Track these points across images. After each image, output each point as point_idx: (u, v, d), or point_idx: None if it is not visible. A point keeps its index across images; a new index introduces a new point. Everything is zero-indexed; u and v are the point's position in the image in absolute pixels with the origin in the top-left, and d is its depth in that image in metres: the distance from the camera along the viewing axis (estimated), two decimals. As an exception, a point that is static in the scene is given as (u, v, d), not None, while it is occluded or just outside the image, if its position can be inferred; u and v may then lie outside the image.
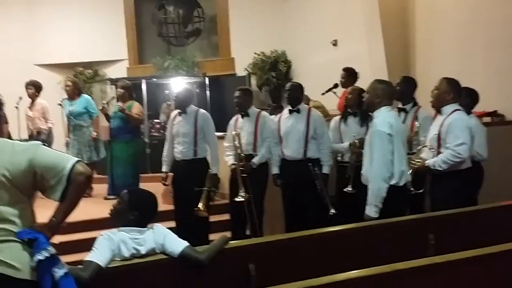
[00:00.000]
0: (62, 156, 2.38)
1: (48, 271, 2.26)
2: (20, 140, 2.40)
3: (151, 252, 2.79)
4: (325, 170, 5.46)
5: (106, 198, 7.66)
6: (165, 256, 2.79)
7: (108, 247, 2.67)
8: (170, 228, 5.36)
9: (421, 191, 4.57)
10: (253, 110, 5.75)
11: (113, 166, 7.63)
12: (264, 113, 5.81)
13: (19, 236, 2.27)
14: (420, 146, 4.68)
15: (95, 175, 8.50)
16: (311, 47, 10.10)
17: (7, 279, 2.19)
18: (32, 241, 2.28)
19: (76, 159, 2.37)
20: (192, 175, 5.58)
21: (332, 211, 5.20)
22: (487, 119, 6.52)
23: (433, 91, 4.54)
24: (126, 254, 2.73)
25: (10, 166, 2.25)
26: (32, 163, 2.28)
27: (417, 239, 3.55)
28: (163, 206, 6.93)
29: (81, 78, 11.38)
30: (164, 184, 6.06)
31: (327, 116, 6.34)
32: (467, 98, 4.68)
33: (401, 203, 4.13)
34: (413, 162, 4.44)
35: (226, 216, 6.07)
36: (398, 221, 3.67)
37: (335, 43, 9.41)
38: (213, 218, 5.93)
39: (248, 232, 5.76)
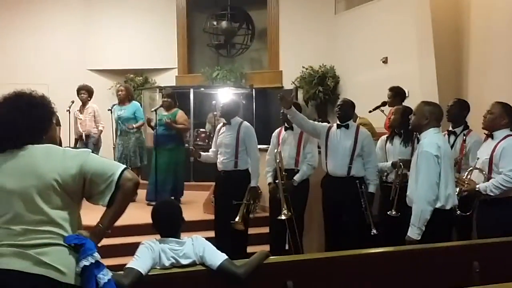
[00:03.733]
0: (111, 162, 2.46)
1: (93, 277, 2.29)
2: (70, 147, 2.46)
3: (191, 263, 2.80)
4: (371, 189, 5.35)
5: (149, 204, 7.77)
6: (203, 268, 2.80)
7: (149, 255, 2.71)
8: (209, 238, 5.41)
9: (468, 214, 4.46)
10: None
11: (156, 172, 7.75)
12: None
13: (66, 241, 2.31)
14: (471, 168, 4.55)
15: (140, 181, 8.66)
16: (360, 63, 10.01)
17: (52, 282, 2.23)
18: (79, 246, 2.32)
19: (124, 166, 2.44)
20: (232, 187, 5.61)
21: (374, 231, 5.11)
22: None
23: (486, 114, 4.44)
24: (166, 263, 2.76)
25: (61, 170, 2.32)
26: (82, 168, 2.35)
27: (461, 266, 3.46)
28: (204, 215, 7.01)
29: (132, 84, 11.62)
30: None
31: (374, 135, 6.24)
32: None
33: (447, 227, 4.05)
34: (462, 182, 4.33)
35: (265, 229, 6.04)
36: (442, 247, 3.58)
37: (385, 61, 9.29)
38: (252, 231, 5.91)
39: (287, 247, 5.74)
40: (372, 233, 5.10)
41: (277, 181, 5.50)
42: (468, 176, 4.43)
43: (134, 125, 7.99)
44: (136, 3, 11.78)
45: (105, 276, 2.32)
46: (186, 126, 7.98)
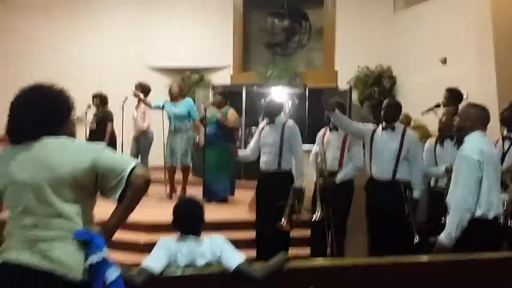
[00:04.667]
0: (124, 158, 2.43)
1: (100, 274, 2.27)
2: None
3: (207, 263, 2.75)
4: (416, 194, 5.12)
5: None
6: (219, 269, 2.73)
7: (165, 254, 2.68)
8: (252, 239, 5.36)
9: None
10: None
11: (207, 171, 7.79)
12: None
13: (76, 236, 2.30)
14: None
15: (193, 178, 8.76)
16: (418, 63, 9.69)
17: (59, 277, 2.23)
18: (88, 242, 2.30)
19: (137, 162, 2.41)
20: (275, 187, 5.49)
21: (417, 239, 4.89)
22: None
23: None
24: (182, 263, 2.71)
25: (74, 164, 2.31)
26: (95, 163, 2.33)
27: (496, 280, 3.24)
28: (249, 215, 6.96)
29: (188, 82, 11.76)
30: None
31: (428, 137, 6.00)
32: None
33: (489, 238, 3.77)
34: None
35: (307, 232, 5.93)
36: (477, 258, 3.33)
37: (444, 61, 8.93)
38: (294, 233, 5.79)
39: (329, 251, 5.61)
40: (415, 241, 4.88)
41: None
42: None
43: (197, 141, 8.06)
44: (193, 2, 11.90)
45: (113, 273, 2.30)
46: (236, 125, 8.00)
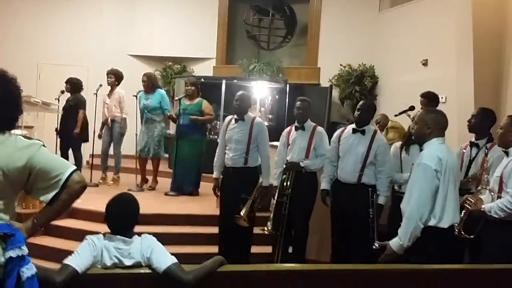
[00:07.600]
0: (61, 161, 2.41)
1: (15, 270, 2.20)
2: (25, 137, 2.39)
3: (135, 264, 2.64)
4: (381, 200, 4.99)
5: (166, 194, 7.73)
6: (148, 270, 2.63)
7: (90, 252, 2.57)
8: (213, 235, 5.23)
9: (471, 236, 4.11)
10: (309, 123, 5.50)
11: (177, 163, 7.69)
12: (320, 128, 5.52)
13: None
14: (480, 187, 4.25)
15: (167, 170, 8.67)
16: (400, 64, 9.59)
17: None
18: (8, 236, 2.23)
19: (74, 167, 2.39)
20: (240, 184, 5.38)
21: (376, 245, 4.79)
22: None
23: (498, 130, 4.11)
24: (108, 262, 2.60)
25: (9, 161, 2.26)
26: (30, 162, 2.29)
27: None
28: (217, 210, 6.85)
29: (169, 72, 11.63)
30: (216, 194, 5.88)
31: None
32: None
33: (444, 246, 3.68)
34: (469, 202, 4.03)
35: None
36: (427, 269, 3.25)
37: (425, 63, 8.85)
38: (258, 230, 5.71)
39: (290, 250, 5.54)
40: (374, 247, 4.79)
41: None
42: (478, 195, 4.11)
43: (170, 134, 8.07)
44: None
45: (28, 270, 2.22)
46: (212, 116, 7.94)
